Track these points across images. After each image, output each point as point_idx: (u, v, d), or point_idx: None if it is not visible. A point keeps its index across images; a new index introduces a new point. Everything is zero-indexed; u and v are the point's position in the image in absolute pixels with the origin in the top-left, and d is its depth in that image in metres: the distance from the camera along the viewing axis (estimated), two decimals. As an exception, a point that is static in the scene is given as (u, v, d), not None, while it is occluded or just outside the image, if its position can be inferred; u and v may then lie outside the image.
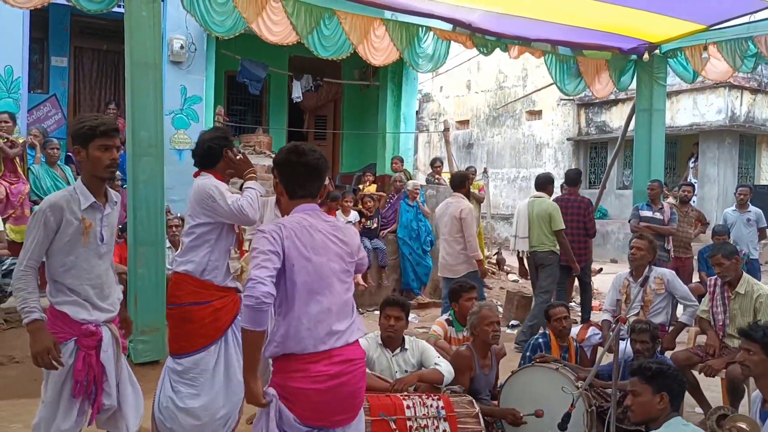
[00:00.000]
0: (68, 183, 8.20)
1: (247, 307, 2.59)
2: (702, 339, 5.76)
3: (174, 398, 3.74)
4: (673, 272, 6.08)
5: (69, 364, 3.21)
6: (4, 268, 6.56)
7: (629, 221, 8.76)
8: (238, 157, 3.97)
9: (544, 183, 7.72)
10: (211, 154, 3.91)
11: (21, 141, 8.11)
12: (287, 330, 2.74)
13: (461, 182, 7.37)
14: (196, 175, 3.93)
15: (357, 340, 2.89)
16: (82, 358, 3.21)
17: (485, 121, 21.92)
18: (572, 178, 8.52)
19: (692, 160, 16.45)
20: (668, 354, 5.50)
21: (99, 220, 3.29)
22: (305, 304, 2.75)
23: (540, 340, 5.36)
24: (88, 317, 3.25)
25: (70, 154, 9.29)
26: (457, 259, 7.01)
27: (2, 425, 4.74)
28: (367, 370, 4.28)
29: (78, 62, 11.94)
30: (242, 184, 3.96)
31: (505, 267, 12.56)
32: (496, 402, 4.71)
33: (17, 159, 7.95)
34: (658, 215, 8.40)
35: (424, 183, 11.77)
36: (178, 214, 7.70)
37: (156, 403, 3.80)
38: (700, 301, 5.77)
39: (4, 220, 7.19)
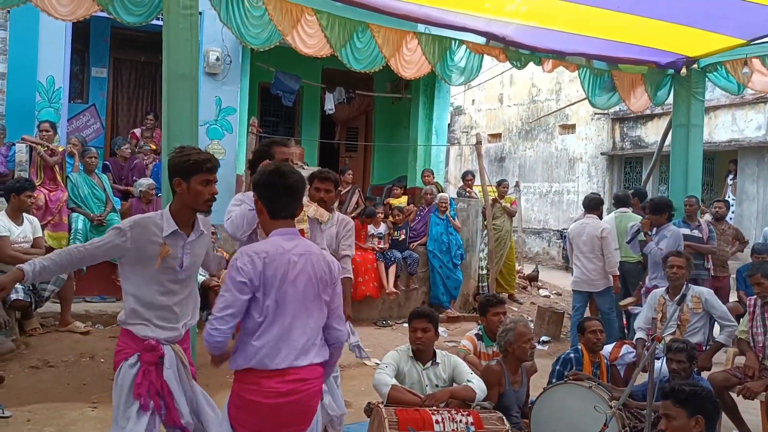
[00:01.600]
0: (105, 191, 8.34)
1: (207, 343, 2.94)
2: (741, 360, 5.63)
3: None
4: (711, 291, 5.97)
5: (132, 375, 3.25)
6: (41, 273, 6.66)
7: None
8: None
9: (597, 204, 8.19)
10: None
11: (60, 149, 8.29)
12: (249, 348, 2.92)
13: (596, 205, 8.14)
14: None
15: (319, 363, 3.03)
16: (142, 372, 3.25)
17: (517, 134, 21.79)
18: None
19: (730, 177, 16.14)
20: (705, 375, 5.39)
21: (181, 247, 3.34)
22: (270, 325, 2.92)
23: (571, 354, 5.29)
24: (150, 333, 3.29)
25: (107, 162, 9.46)
26: (598, 275, 7.76)
27: (36, 428, 4.81)
28: (397, 384, 4.28)
29: (117, 73, 12.18)
30: None
31: (536, 283, 12.44)
32: (526, 420, 4.65)
33: (56, 167, 8.12)
34: (696, 233, 8.11)
35: (455, 196, 11.72)
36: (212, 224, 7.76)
37: None
38: (738, 321, 5.65)
39: (43, 227, 7.32)
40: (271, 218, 3.05)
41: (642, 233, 7.46)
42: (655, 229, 7.38)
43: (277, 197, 3.03)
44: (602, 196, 10.55)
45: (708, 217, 10.28)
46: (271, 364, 2.90)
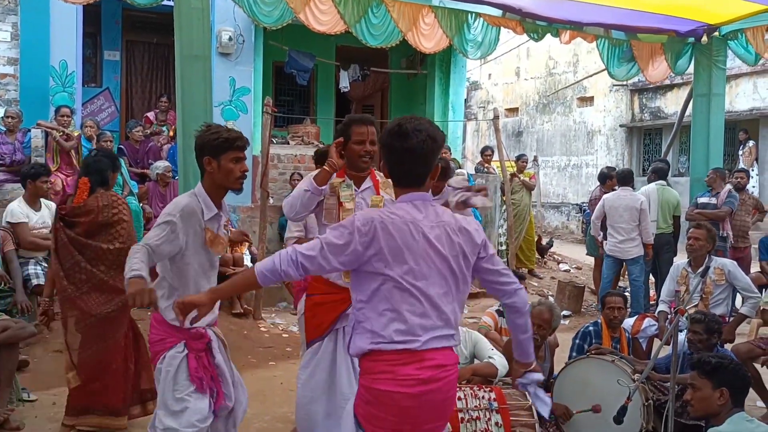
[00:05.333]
0: (121, 174, 8.36)
1: (270, 266, 2.54)
2: (765, 331, 5.56)
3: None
4: (734, 262, 5.88)
5: (180, 359, 3.20)
6: (61, 258, 6.70)
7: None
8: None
9: (630, 177, 8.50)
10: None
11: (76, 134, 8.30)
12: (375, 324, 2.53)
13: (630, 178, 8.45)
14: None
15: (451, 347, 2.60)
16: (195, 358, 3.22)
17: (535, 108, 21.57)
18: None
19: (741, 146, 15.87)
20: (728, 346, 5.32)
21: (216, 230, 3.31)
22: (396, 302, 2.51)
23: (591, 328, 5.25)
24: (196, 323, 3.20)
25: (122, 146, 9.47)
26: (631, 243, 8.07)
27: (61, 411, 4.83)
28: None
29: (130, 56, 12.15)
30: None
31: (546, 255, 12.29)
32: (549, 393, 4.62)
33: (72, 152, 8.14)
34: (713, 200, 8.25)
35: (473, 172, 11.64)
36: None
37: None
38: (761, 292, 5.56)
39: (61, 212, 7.35)
40: (396, 186, 2.66)
41: None
42: None
43: (397, 162, 2.60)
44: (621, 168, 10.59)
45: (729, 187, 10.14)
46: (400, 344, 2.50)
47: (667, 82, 15.44)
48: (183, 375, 3.20)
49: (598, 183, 9.86)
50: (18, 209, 6.42)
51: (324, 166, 3.65)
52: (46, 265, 6.55)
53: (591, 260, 10.22)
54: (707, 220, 7.57)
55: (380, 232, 2.50)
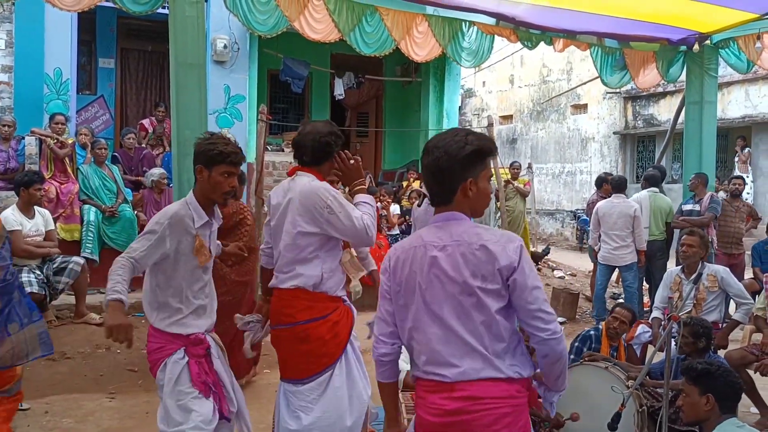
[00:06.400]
0: (116, 182, 8.35)
1: (375, 361, 2.56)
2: (757, 337, 5.57)
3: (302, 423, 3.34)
4: (727, 269, 5.90)
5: (181, 366, 3.19)
6: (55, 265, 6.70)
7: None
8: (351, 162, 3.48)
9: (624, 185, 8.57)
10: (326, 151, 3.40)
11: (70, 141, 8.29)
12: (413, 354, 2.49)
13: (624, 185, 8.55)
14: (291, 172, 3.48)
15: (494, 379, 2.34)
16: (196, 363, 3.21)
17: (529, 115, 21.65)
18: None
19: (737, 154, 15.96)
20: (722, 353, 5.34)
21: (207, 236, 3.32)
22: (417, 332, 2.43)
23: (592, 332, 5.28)
24: (195, 330, 3.25)
25: (116, 154, 9.46)
26: (626, 250, 8.14)
27: (54, 420, 4.84)
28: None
29: (124, 63, 12.16)
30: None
31: (540, 263, 12.30)
32: (543, 400, 4.62)
33: (66, 159, 8.13)
34: (697, 207, 8.35)
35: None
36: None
37: None
38: (754, 298, 5.59)
39: (55, 220, 7.34)
40: (432, 206, 2.52)
41: None
42: None
43: (425, 182, 2.52)
44: (615, 175, 10.63)
45: (722, 194, 10.18)
46: (423, 373, 2.42)
47: (660, 89, 15.53)
48: (185, 382, 3.19)
49: (595, 188, 9.97)
50: (11, 217, 6.41)
51: (360, 185, 3.48)
52: (39, 273, 6.54)
53: (585, 267, 10.26)
54: (692, 227, 7.59)
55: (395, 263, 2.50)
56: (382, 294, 2.52)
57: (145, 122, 10.56)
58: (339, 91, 12.46)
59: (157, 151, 9.90)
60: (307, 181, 3.34)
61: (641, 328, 5.96)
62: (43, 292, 6.52)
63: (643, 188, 9.00)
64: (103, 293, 8.10)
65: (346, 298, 3.51)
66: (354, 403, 3.41)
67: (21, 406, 4.98)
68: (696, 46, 8.59)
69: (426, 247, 2.41)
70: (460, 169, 2.38)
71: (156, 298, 3.25)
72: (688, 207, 8.46)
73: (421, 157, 2.50)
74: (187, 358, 3.21)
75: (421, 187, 10.40)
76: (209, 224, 3.32)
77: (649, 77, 8.98)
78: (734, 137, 16.23)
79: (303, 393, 3.34)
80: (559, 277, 11.71)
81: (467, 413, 2.31)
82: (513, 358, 2.38)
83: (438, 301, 2.38)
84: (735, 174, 13.31)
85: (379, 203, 9.82)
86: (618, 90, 16.81)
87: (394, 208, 9.92)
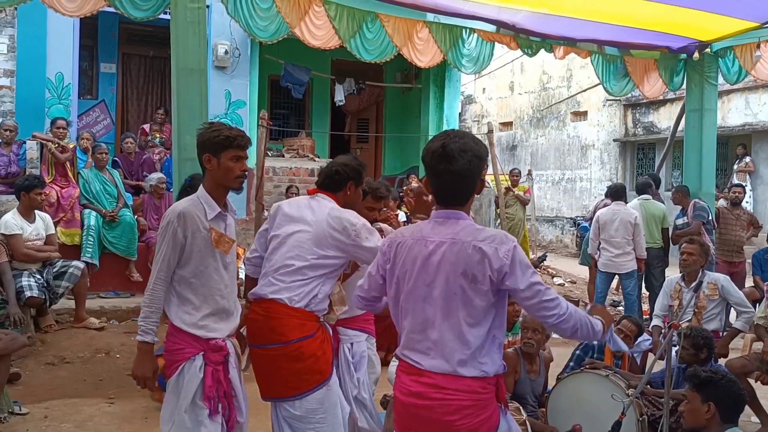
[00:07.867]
0: (116, 187, 8.36)
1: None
2: (758, 346, 5.56)
3: None
4: (728, 277, 5.91)
5: (200, 379, 3.10)
6: (55, 270, 6.69)
7: None
8: (425, 198, 3.46)
9: (623, 192, 8.55)
10: (335, 179, 3.58)
11: (71, 146, 8.30)
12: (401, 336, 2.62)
13: (623, 193, 8.51)
14: (311, 192, 3.63)
15: (462, 376, 2.43)
16: (211, 374, 3.11)
17: (529, 122, 21.66)
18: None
19: (736, 162, 15.97)
20: (722, 361, 5.34)
21: (223, 229, 3.22)
22: (403, 316, 2.58)
23: (594, 341, 5.26)
24: (216, 334, 3.15)
25: (116, 159, 9.47)
26: (626, 258, 8.09)
27: (53, 424, 4.82)
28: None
29: (126, 68, 12.17)
30: None
31: (540, 270, 12.31)
32: (543, 409, 4.62)
33: (67, 164, 8.14)
34: (686, 219, 8.50)
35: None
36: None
37: None
38: (754, 307, 5.58)
39: (56, 224, 7.34)
40: (439, 205, 2.58)
41: None
42: None
43: (442, 185, 2.53)
44: (614, 183, 10.62)
45: (722, 202, 10.19)
46: (403, 356, 2.57)
47: (660, 97, 15.51)
48: (200, 397, 3.10)
49: (604, 197, 9.85)
50: (12, 221, 6.41)
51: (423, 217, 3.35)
52: (39, 277, 6.54)
53: (585, 274, 10.24)
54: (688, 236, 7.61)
55: (395, 251, 2.61)
56: (371, 273, 2.72)
57: (146, 127, 10.60)
58: (339, 97, 12.48)
59: (153, 152, 9.89)
60: (333, 206, 3.51)
61: (641, 336, 5.96)
62: (43, 297, 6.51)
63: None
64: (104, 298, 8.11)
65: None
66: (345, 417, 3.54)
67: (20, 409, 5.00)
68: (696, 54, 8.63)
69: (424, 240, 2.51)
70: (481, 172, 2.54)
71: (179, 290, 3.15)
72: (679, 221, 8.58)
73: (435, 163, 2.48)
74: (203, 366, 3.11)
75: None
76: (223, 216, 3.22)
77: (655, 87, 9.03)
78: (734, 145, 16.24)
79: (306, 417, 3.34)
80: (559, 284, 11.71)
81: (429, 399, 2.44)
82: (483, 357, 2.46)
83: (425, 294, 2.48)
84: (735, 182, 13.32)
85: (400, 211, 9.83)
86: (618, 97, 16.83)
87: (400, 216, 9.91)
